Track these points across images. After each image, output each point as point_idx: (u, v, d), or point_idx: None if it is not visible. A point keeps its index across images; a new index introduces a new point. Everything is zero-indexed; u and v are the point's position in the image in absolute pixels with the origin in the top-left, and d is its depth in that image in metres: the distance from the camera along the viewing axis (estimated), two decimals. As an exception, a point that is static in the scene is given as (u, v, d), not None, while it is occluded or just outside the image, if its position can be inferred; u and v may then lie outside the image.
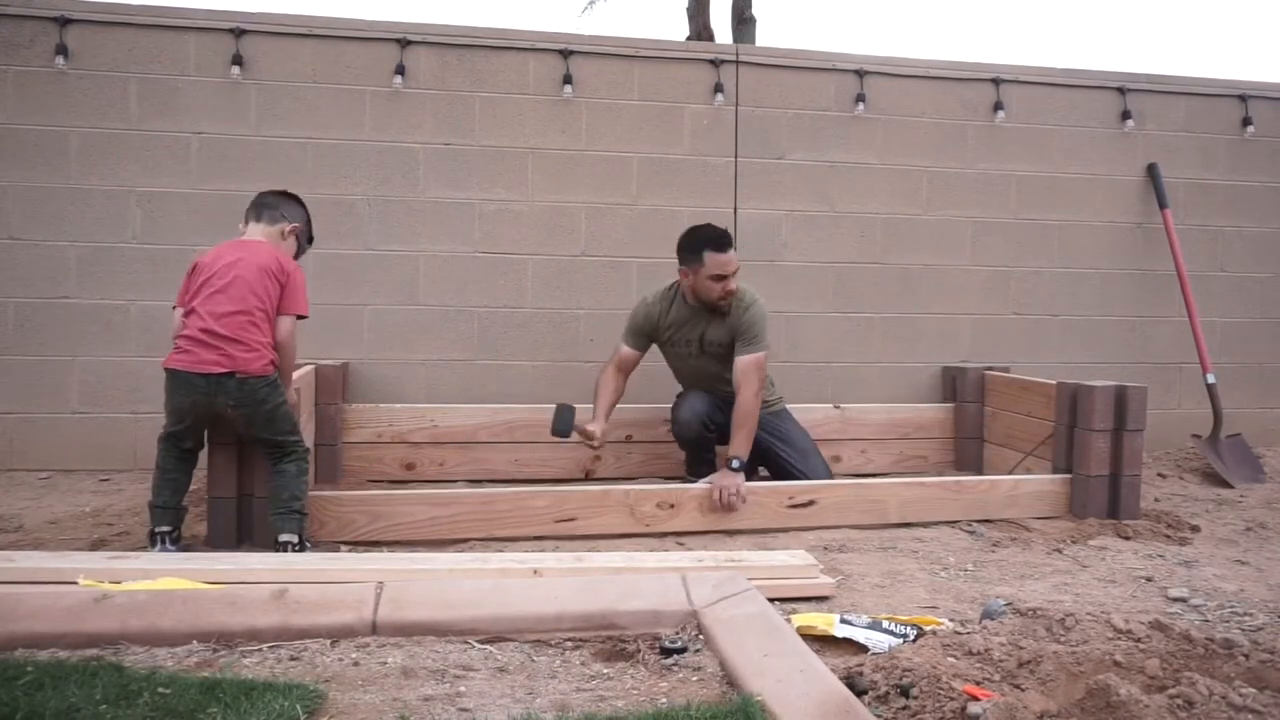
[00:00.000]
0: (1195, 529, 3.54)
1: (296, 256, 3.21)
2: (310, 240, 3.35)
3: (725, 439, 3.69)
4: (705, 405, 3.85)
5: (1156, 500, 3.99)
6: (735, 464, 3.50)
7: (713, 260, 3.65)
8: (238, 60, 4.21)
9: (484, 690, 1.92)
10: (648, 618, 2.29)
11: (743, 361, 3.65)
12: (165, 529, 2.94)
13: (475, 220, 4.45)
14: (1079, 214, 4.98)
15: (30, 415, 4.17)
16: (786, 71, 4.69)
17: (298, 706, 1.76)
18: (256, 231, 3.13)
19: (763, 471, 3.97)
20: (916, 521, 3.55)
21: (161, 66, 4.20)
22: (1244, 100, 5.10)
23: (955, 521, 3.57)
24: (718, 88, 4.60)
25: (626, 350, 3.91)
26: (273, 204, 3.19)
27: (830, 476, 3.86)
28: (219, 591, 2.31)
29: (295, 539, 2.92)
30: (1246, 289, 5.16)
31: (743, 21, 8.64)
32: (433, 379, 4.42)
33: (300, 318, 3.08)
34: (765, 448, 3.87)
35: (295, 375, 3.61)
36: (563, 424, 3.61)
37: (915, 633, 2.24)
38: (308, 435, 3.74)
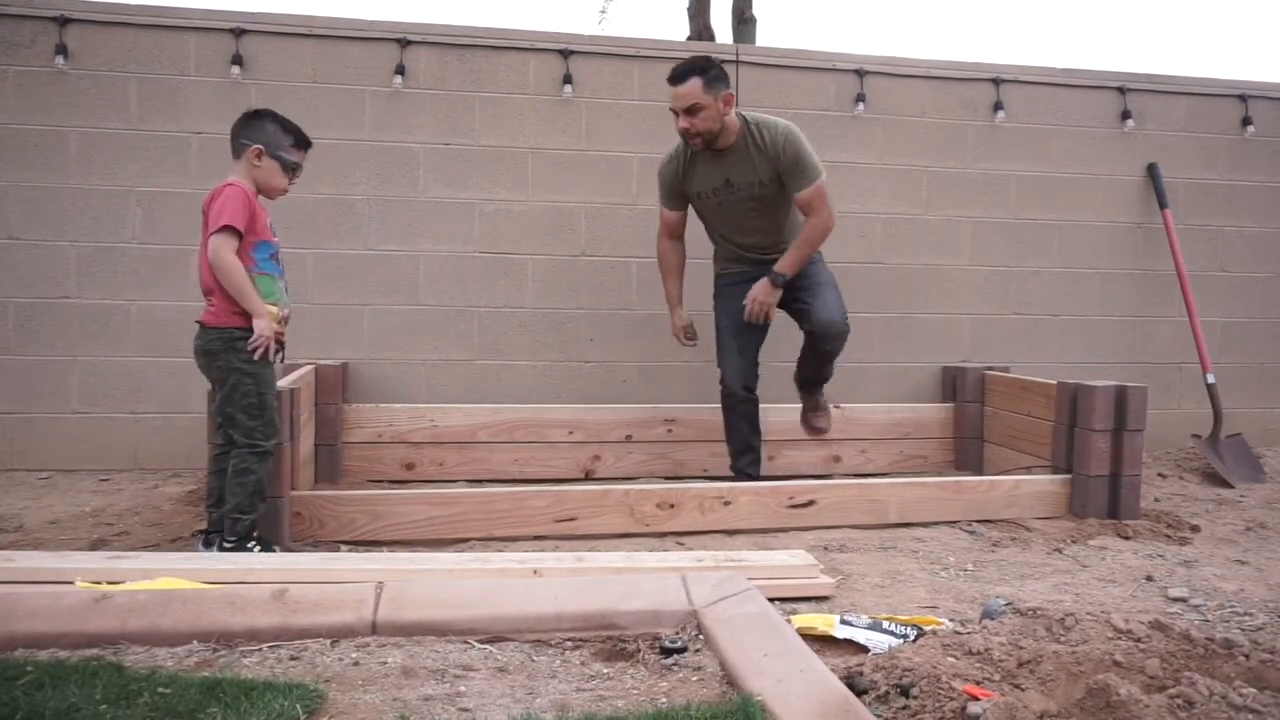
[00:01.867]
0: (1195, 529, 3.54)
1: (291, 176, 3.02)
2: (300, 145, 3.03)
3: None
4: (747, 364, 3.80)
5: (1156, 500, 3.99)
6: (777, 279, 3.59)
7: (671, 95, 3.56)
8: (238, 60, 4.21)
9: (484, 690, 1.92)
10: (648, 618, 2.29)
11: (803, 196, 3.57)
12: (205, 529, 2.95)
13: (475, 220, 4.45)
14: (1079, 214, 4.98)
15: (30, 415, 4.17)
16: (786, 71, 4.69)
17: (298, 706, 1.76)
18: (232, 173, 2.96)
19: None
20: (916, 521, 3.55)
21: (161, 66, 4.20)
22: (1244, 100, 5.10)
23: (955, 521, 3.57)
24: (718, 88, 4.60)
25: (668, 213, 3.88)
26: (234, 134, 2.98)
27: (843, 315, 3.74)
28: (219, 591, 2.31)
29: (219, 543, 2.85)
30: (1246, 289, 5.16)
31: (743, 21, 8.64)
32: (433, 379, 4.42)
33: (231, 231, 2.78)
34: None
35: (296, 374, 3.61)
36: None
37: (915, 633, 2.24)
38: (307, 435, 3.74)
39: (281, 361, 3.01)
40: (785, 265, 3.59)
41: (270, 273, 2.94)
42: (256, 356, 2.85)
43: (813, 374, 3.91)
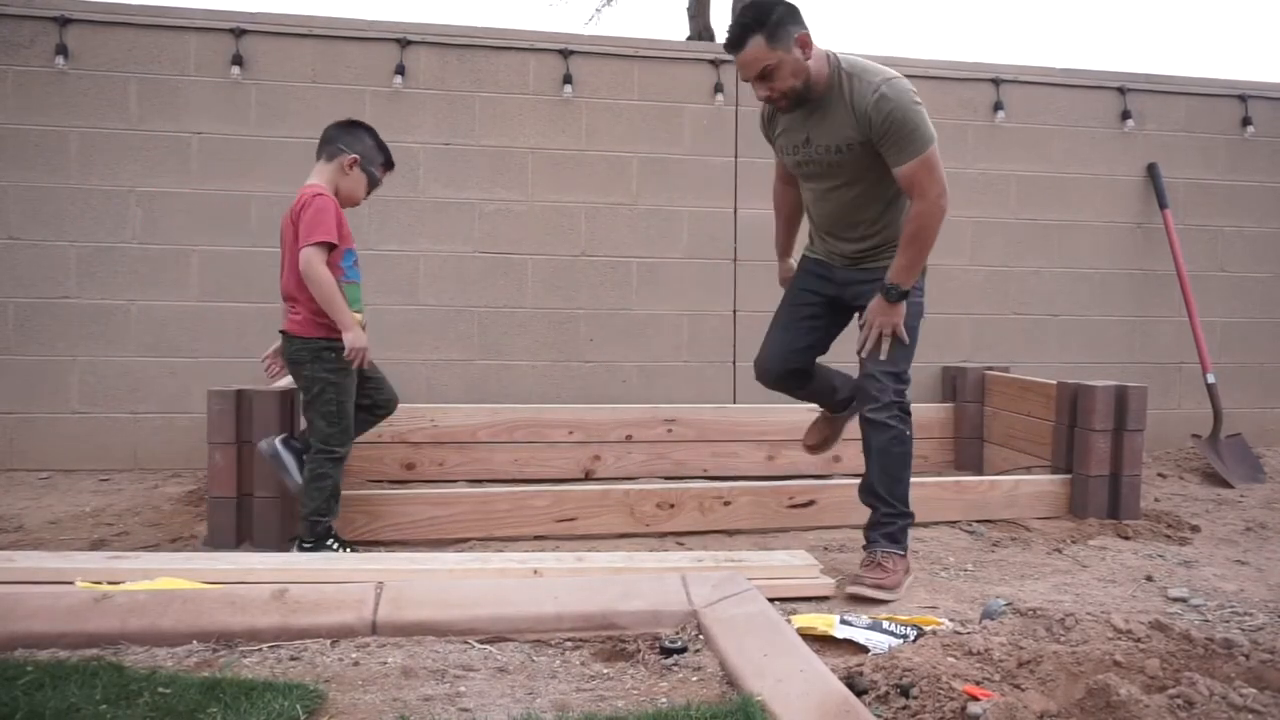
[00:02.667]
0: (1195, 529, 3.54)
1: (369, 190, 3.09)
2: (387, 166, 3.12)
3: (809, 385, 3.17)
4: (783, 349, 3.09)
5: (1156, 500, 3.99)
6: (891, 293, 2.81)
7: (736, 65, 2.83)
8: (238, 60, 4.21)
9: (484, 690, 1.92)
10: (648, 618, 2.29)
11: (904, 172, 2.72)
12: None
13: (475, 220, 4.45)
14: (1079, 214, 4.98)
15: (30, 415, 4.17)
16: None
17: (298, 706, 1.76)
18: (316, 173, 2.99)
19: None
20: (917, 521, 3.54)
21: (161, 66, 4.20)
22: (1244, 100, 5.10)
23: (955, 521, 3.57)
24: (718, 88, 4.60)
25: (778, 158, 3.17)
26: (331, 137, 3.00)
27: (889, 377, 2.87)
28: (219, 591, 2.31)
29: (299, 543, 2.93)
30: (1246, 289, 5.16)
31: (743, 21, 8.65)
32: (433, 379, 4.42)
33: (326, 245, 2.82)
34: (850, 304, 3.06)
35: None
36: None
37: (915, 633, 2.24)
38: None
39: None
40: (896, 273, 2.81)
41: (355, 280, 2.98)
42: (355, 366, 2.91)
43: (866, 479, 2.94)
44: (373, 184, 3.09)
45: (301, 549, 2.92)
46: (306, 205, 2.86)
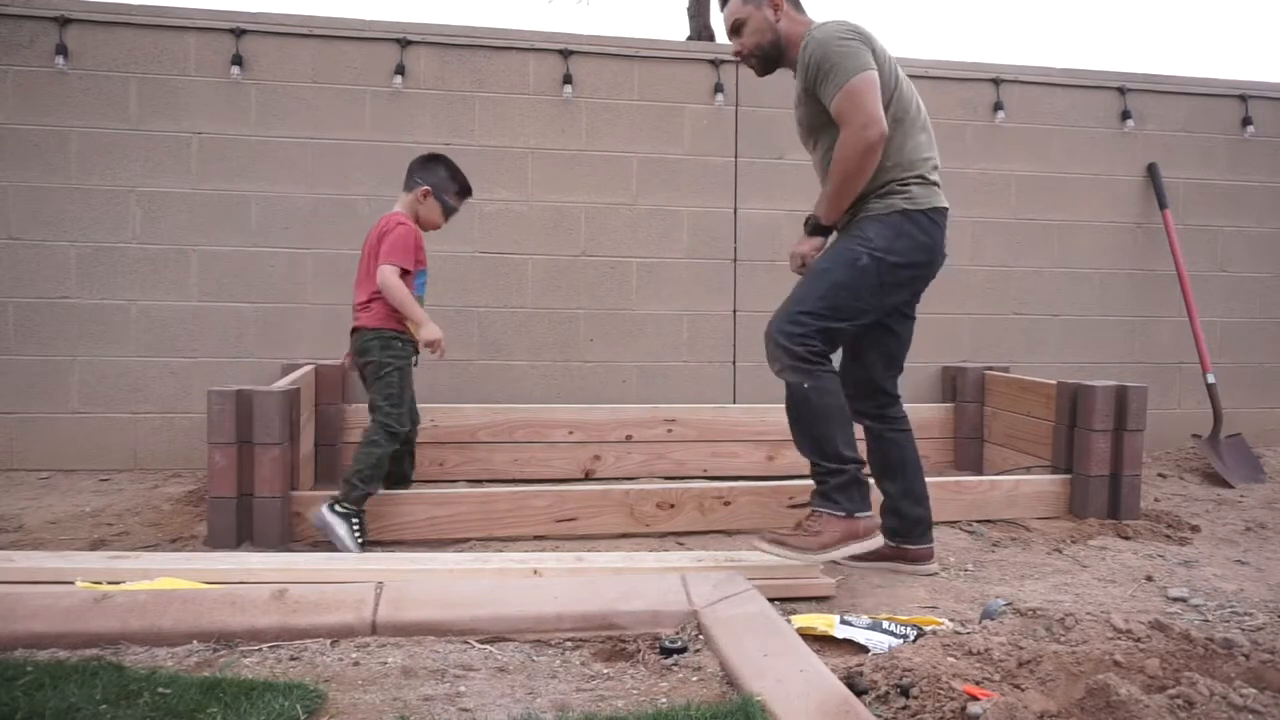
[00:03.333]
0: (1195, 529, 3.54)
1: (447, 216, 3.44)
2: (462, 194, 3.47)
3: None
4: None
5: (1156, 500, 3.99)
6: (807, 223, 2.87)
7: None
8: (238, 60, 4.21)
9: (484, 690, 1.92)
10: (647, 618, 2.29)
11: (833, 108, 2.64)
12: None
13: (475, 220, 4.45)
14: (1079, 214, 4.98)
15: (30, 415, 4.17)
16: (787, 72, 4.68)
17: (298, 706, 1.76)
18: (399, 201, 3.40)
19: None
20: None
21: (161, 66, 4.20)
22: (1244, 100, 5.10)
23: (955, 521, 3.57)
24: (718, 88, 4.60)
25: None
26: (410, 170, 3.41)
27: (787, 319, 2.67)
28: (219, 591, 2.31)
29: (331, 503, 3.06)
30: (1246, 289, 5.16)
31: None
32: (433, 379, 4.42)
33: (403, 271, 3.21)
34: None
35: (296, 374, 3.64)
36: None
37: (915, 633, 2.24)
38: (307, 435, 3.75)
39: (415, 365, 3.37)
40: (820, 207, 2.79)
41: (420, 295, 3.35)
42: (436, 355, 3.30)
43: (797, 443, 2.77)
44: (448, 211, 3.45)
45: (333, 511, 3.02)
46: (388, 231, 3.25)
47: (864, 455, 2.82)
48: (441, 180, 3.39)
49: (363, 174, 4.35)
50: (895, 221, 2.67)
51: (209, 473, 3.06)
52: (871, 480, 2.83)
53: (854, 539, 2.61)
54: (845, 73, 2.60)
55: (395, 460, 3.29)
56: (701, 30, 8.64)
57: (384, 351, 3.25)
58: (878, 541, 2.68)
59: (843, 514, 2.62)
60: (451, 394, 4.41)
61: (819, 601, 2.62)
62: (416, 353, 3.36)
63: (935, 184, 2.77)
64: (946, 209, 2.79)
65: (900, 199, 2.69)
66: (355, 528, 3.03)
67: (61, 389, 4.18)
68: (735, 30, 2.84)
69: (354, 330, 3.33)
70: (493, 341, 4.48)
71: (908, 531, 2.90)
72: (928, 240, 2.71)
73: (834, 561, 2.66)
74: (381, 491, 3.19)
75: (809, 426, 2.67)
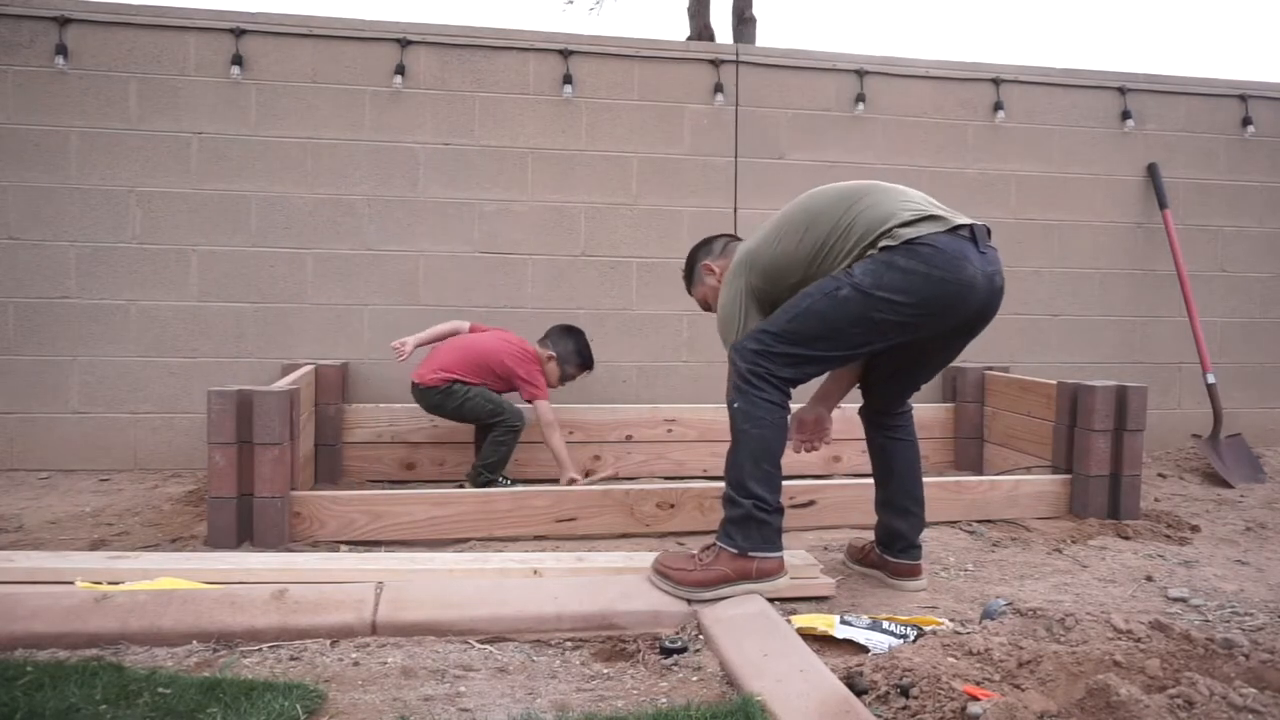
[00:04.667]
0: (1195, 529, 3.54)
1: (561, 380, 4.06)
2: (583, 368, 4.08)
3: None
4: None
5: (1156, 500, 3.99)
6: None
7: None
8: (238, 60, 4.21)
9: (484, 690, 1.92)
10: (647, 618, 2.29)
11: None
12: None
13: (475, 220, 4.45)
14: (1079, 214, 4.98)
15: (30, 415, 4.17)
16: (786, 71, 4.69)
17: (298, 706, 1.76)
18: (539, 344, 4.06)
19: None
20: (916, 521, 3.55)
21: (161, 66, 4.20)
22: (1244, 100, 5.10)
23: (955, 521, 3.57)
24: (718, 88, 4.60)
25: None
26: (548, 333, 4.09)
27: (763, 335, 2.54)
28: (219, 591, 2.31)
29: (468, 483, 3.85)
30: (1246, 289, 5.16)
31: (743, 21, 8.64)
32: (433, 379, 4.42)
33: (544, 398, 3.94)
34: None
35: (295, 374, 3.65)
36: None
37: (915, 633, 2.24)
38: (307, 435, 3.76)
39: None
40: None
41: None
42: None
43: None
44: (565, 378, 4.06)
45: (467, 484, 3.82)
46: (524, 359, 3.95)
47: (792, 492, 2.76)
48: (568, 354, 4.02)
49: (363, 174, 4.35)
50: (881, 258, 2.44)
51: (209, 473, 3.05)
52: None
53: (745, 578, 2.45)
54: (721, 324, 2.74)
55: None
56: (701, 30, 8.65)
57: (448, 397, 3.82)
58: (780, 583, 2.52)
59: (735, 550, 2.46)
60: (451, 394, 4.41)
61: (819, 601, 2.62)
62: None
63: (923, 219, 2.49)
64: (956, 227, 2.51)
65: (879, 248, 2.45)
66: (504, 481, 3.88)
67: (61, 389, 4.18)
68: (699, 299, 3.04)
69: (417, 385, 3.89)
70: (493, 341, 4.48)
71: (888, 542, 2.85)
72: (924, 268, 2.42)
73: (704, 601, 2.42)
74: (382, 492, 3.19)
75: (738, 455, 2.50)
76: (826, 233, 2.52)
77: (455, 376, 3.85)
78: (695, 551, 2.54)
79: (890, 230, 2.46)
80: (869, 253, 2.46)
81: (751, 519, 2.45)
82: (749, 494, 2.45)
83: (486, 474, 3.83)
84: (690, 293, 3.07)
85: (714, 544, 2.50)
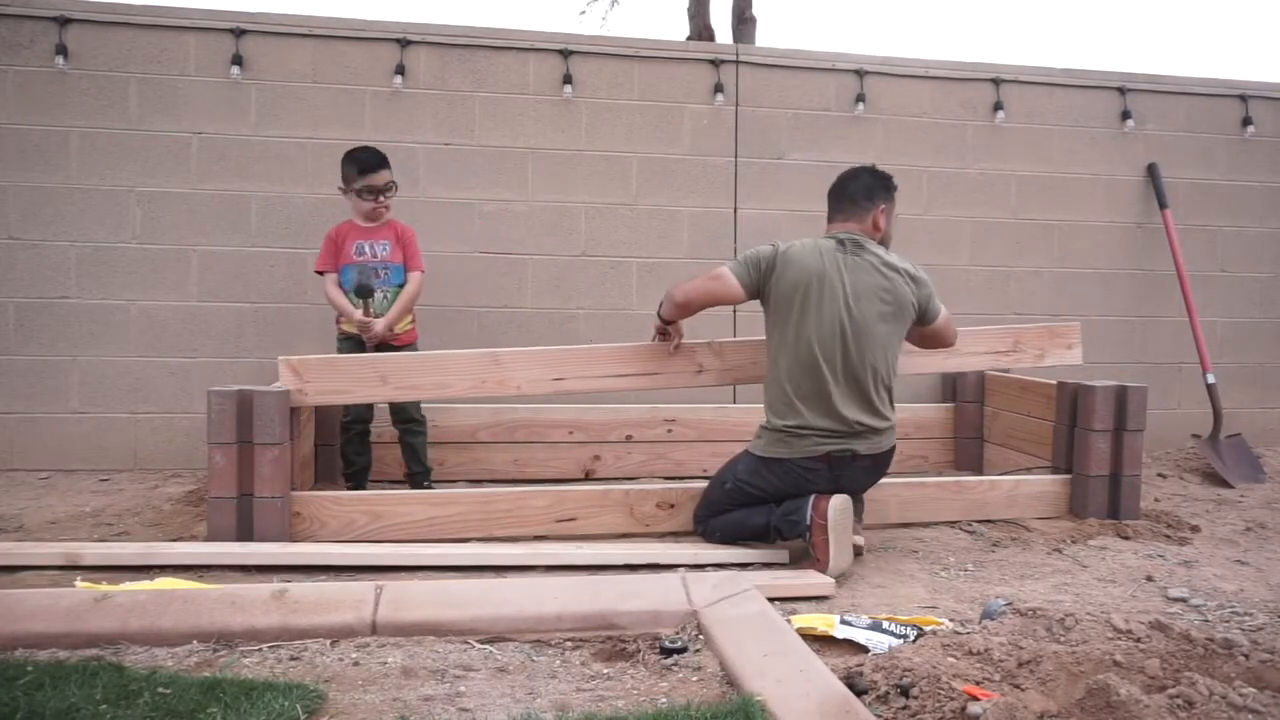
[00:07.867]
0: (1195, 529, 3.54)
1: (365, 200, 3.67)
2: (363, 172, 3.68)
3: None
4: None
5: (1156, 500, 3.99)
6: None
7: None
8: (238, 60, 4.21)
9: (484, 690, 1.92)
10: (647, 618, 2.29)
11: None
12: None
13: (475, 220, 4.45)
14: (1079, 214, 4.98)
15: (30, 415, 4.17)
16: (786, 71, 4.69)
17: (298, 706, 1.76)
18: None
19: None
20: (916, 521, 3.55)
21: (161, 66, 4.20)
22: (1244, 100, 5.10)
23: (955, 521, 3.57)
24: (718, 88, 4.60)
25: None
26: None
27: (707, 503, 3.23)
28: (219, 591, 2.31)
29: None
30: (1246, 289, 5.16)
31: (743, 21, 8.63)
32: (433, 379, 4.42)
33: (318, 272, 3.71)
34: None
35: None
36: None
37: (915, 633, 2.24)
38: (307, 435, 3.75)
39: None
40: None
41: (390, 287, 3.70)
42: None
43: None
44: (363, 196, 3.65)
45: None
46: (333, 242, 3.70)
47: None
48: (345, 174, 3.65)
49: (363, 174, 4.34)
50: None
51: (209, 473, 3.05)
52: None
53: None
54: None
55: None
56: (701, 30, 8.64)
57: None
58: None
59: None
60: (451, 394, 4.41)
61: (819, 601, 2.62)
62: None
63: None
64: None
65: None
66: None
67: (61, 389, 4.18)
68: None
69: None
70: (492, 341, 4.47)
71: None
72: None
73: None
74: (382, 492, 3.19)
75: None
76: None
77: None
78: None
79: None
80: None
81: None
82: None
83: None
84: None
85: None
